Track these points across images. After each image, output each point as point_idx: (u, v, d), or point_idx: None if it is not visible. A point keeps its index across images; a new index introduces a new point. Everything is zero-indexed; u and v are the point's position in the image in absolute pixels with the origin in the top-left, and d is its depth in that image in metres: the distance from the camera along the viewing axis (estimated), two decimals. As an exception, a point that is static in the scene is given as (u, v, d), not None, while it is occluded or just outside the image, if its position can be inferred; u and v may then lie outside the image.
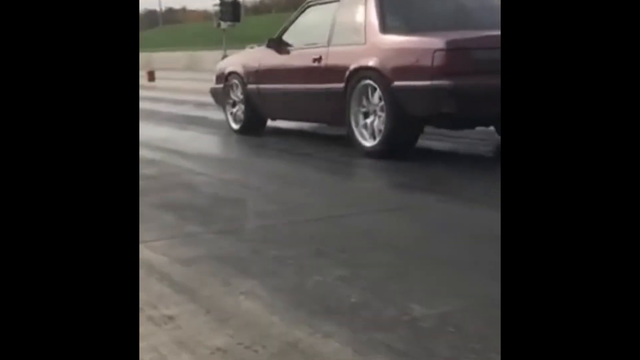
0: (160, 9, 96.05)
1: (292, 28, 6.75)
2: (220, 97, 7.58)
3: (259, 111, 7.05)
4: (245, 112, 7.13)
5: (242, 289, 2.59)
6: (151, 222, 3.60)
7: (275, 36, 6.82)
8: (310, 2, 6.77)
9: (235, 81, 7.27)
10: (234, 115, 7.35)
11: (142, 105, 11.22)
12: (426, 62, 4.93)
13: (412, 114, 5.14)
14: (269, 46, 6.82)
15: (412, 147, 5.47)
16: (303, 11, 6.76)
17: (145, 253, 3.05)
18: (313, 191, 4.40)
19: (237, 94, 7.27)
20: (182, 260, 2.96)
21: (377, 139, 5.38)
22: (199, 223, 3.56)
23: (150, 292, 2.59)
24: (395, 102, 5.16)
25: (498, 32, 4.72)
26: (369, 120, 5.50)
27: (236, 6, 23.29)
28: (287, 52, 6.61)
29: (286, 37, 6.73)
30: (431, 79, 4.88)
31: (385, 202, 4.05)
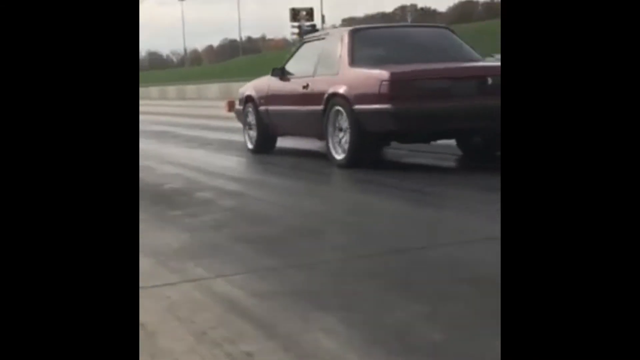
0: (240, 38, 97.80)
1: (292, 60, 8.15)
2: (241, 118, 8.84)
3: (268, 130, 8.29)
4: (257, 131, 8.37)
5: (320, 325, 2.54)
6: (230, 255, 3.60)
7: (280, 66, 8.16)
8: (306, 39, 8.47)
9: (250, 104, 8.53)
10: (249, 136, 8.59)
11: (219, 136, 11.38)
12: (375, 90, 6.26)
13: (369, 131, 6.42)
14: (273, 74, 8.18)
15: (375, 159, 6.77)
16: (301, 46, 8.27)
17: (224, 287, 3.05)
18: (394, 223, 4.34)
19: (252, 115, 8.47)
20: (260, 294, 2.93)
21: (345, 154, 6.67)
22: (277, 256, 3.53)
23: (229, 327, 2.57)
24: (356, 122, 6.46)
25: (441, 65, 6.54)
26: (341, 137, 6.73)
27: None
28: (288, 80, 7.94)
29: (288, 67, 8.09)
30: (378, 103, 6.19)
31: (470, 233, 3.93)
